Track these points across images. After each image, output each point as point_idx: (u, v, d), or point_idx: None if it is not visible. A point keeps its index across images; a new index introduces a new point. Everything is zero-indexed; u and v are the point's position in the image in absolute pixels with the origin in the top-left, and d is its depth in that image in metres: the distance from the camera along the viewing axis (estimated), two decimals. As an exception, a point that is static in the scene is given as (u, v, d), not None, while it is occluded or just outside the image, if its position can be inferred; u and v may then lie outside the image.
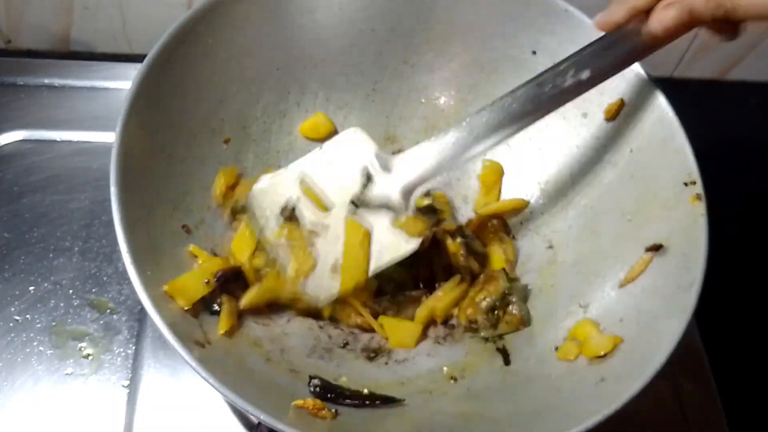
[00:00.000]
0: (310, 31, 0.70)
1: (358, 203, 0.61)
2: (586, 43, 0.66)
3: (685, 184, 0.61)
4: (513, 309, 0.65)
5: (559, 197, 0.71)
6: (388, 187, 0.61)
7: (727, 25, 0.52)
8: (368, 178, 0.61)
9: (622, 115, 0.67)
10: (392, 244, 0.62)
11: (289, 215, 0.62)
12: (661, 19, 0.52)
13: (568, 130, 0.71)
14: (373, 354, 0.65)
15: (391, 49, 0.73)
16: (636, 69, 0.65)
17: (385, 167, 0.62)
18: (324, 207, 0.62)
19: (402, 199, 0.61)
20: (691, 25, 0.51)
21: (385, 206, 0.61)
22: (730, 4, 0.48)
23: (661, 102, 0.64)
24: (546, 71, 0.59)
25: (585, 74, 0.57)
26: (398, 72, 0.74)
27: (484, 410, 0.60)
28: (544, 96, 0.58)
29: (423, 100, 0.76)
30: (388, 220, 0.62)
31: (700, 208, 0.60)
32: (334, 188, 0.62)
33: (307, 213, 0.62)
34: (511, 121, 0.59)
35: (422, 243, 0.62)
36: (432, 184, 0.69)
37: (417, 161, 0.61)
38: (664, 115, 0.64)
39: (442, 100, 0.75)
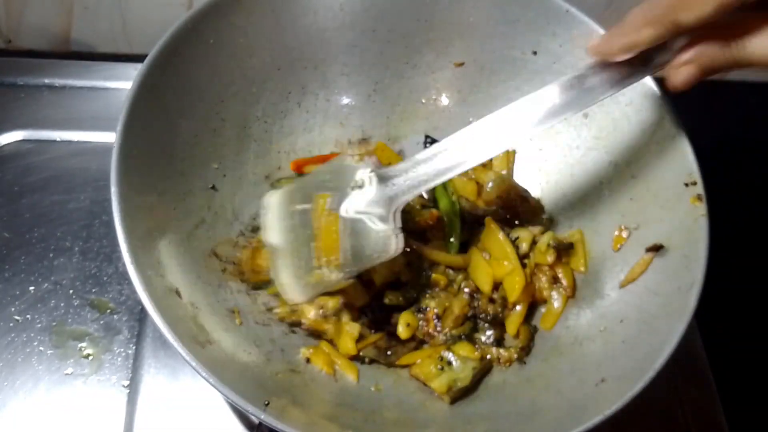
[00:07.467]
0: (311, 32, 0.70)
1: (342, 207, 0.61)
2: (587, 44, 0.67)
3: (686, 185, 0.61)
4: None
5: (560, 197, 0.71)
6: (376, 196, 0.60)
7: None
8: (360, 187, 0.61)
9: (622, 115, 0.67)
10: (374, 248, 0.61)
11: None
12: (683, 78, 0.53)
13: (569, 130, 0.71)
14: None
15: (392, 50, 0.73)
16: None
17: (381, 179, 0.60)
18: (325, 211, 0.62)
19: (386, 210, 0.60)
20: (707, 76, 0.53)
21: (370, 214, 0.60)
22: (745, 57, 0.50)
23: (661, 102, 0.64)
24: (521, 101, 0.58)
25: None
26: (399, 72, 0.74)
27: (484, 410, 0.60)
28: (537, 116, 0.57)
29: (424, 101, 0.76)
30: (372, 227, 0.60)
31: (701, 209, 0.60)
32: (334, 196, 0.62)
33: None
34: (504, 135, 0.58)
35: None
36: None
37: (408, 175, 0.60)
38: (664, 115, 0.64)
39: (443, 100, 0.75)
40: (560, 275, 0.67)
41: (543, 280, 0.66)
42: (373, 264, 0.61)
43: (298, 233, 0.62)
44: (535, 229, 0.68)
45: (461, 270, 0.67)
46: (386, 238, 0.60)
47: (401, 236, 0.60)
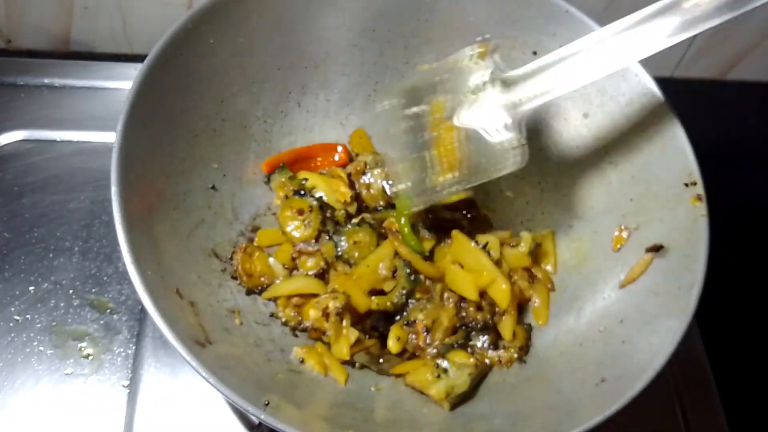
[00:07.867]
0: (311, 32, 0.70)
1: (457, 116, 0.59)
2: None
3: (686, 185, 0.61)
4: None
5: (560, 197, 0.71)
6: (498, 103, 0.57)
7: None
8: (479, 90, 0.58)
9: (622, 115, 0.67)
10: (491, 161, 0.59)
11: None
12: None
13: (569, 130, 0.71)
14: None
15: (392, 50, 0.73)
16: (636, 69, 0.65)
17: (504, 84, 0.58)
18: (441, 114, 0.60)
19: (510, 117, 0.57)
20: None
21: (490, 122, 0.57)
22: None
23: (661, 102, 0.64)
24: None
25: None
26: (399, 72, 0.74)
27: (484, 410, 0.60)
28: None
29: (423, 101, 0.76)
30: (489, 139, 0.58)
31: (701, 209, 0.60)
32: (449, 101, 0.60)
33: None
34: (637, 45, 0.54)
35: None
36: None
37: (534, 80, 0.57)
38: (664, 115, 0.64)
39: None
40: (534, 272, 0.68)
41: (521, 282, 0.67)
42: (491, 178, 0.60)
43: (412, 138, 0.60)
44: (504, 234, 0.68)
45: (437, 280, 0.66)
46: (504, 151, 0.57)
47: (527, 148, 0.57)
